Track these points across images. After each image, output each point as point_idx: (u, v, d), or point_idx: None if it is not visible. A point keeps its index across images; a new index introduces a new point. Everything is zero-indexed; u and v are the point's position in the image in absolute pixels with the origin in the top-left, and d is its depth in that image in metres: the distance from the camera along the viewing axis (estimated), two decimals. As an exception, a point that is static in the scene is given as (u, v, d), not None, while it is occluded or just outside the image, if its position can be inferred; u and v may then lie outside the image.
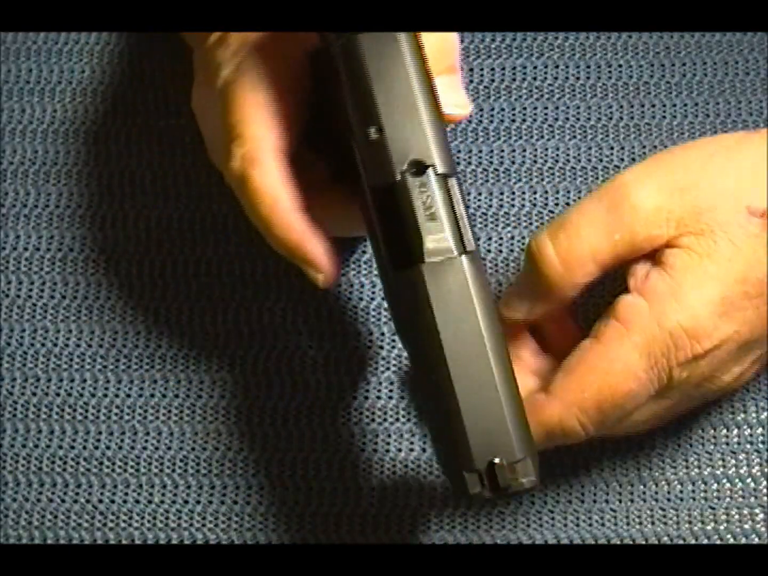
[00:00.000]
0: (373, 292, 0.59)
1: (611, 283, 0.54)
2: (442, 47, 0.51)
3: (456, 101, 0.51)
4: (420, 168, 0.47)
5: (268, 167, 0.51)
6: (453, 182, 0.47)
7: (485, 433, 0.45)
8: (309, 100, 0.53)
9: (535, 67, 0.63)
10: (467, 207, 0.48)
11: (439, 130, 0.47)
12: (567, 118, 0.63)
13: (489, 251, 0.60)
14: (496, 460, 0.45)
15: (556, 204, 0.60)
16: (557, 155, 0.62)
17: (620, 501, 0.56)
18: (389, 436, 0.57)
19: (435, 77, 0.49)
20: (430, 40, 0.50)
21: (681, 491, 0.56)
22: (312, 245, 0.51)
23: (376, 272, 0.59)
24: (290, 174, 0.52)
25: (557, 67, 0.64)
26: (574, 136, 0.62)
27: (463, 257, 0.46)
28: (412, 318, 0.47)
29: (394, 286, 0.47)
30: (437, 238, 0.46)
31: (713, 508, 0.55)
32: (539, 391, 0.51)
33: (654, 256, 0.51)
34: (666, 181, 0.51)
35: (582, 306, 0.56)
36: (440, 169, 0.47)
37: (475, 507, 0.55)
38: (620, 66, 0.64)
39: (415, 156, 0.47)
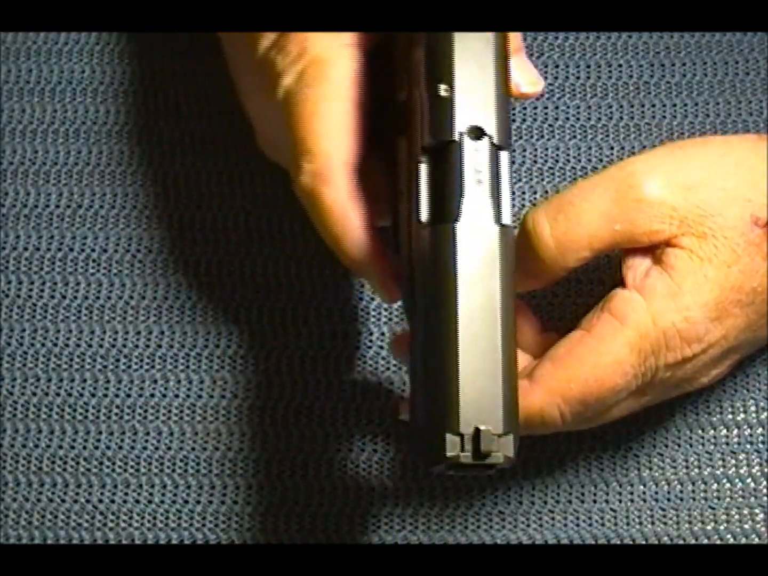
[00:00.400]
0: (374, 292, 0.59)
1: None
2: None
3: (530, 79, 0.53)
4: (479, 134, 0.47)
5: (339, 184, 0.51)
6: (505, 156, 0.48)
7: (477, 400, 0.45)
8: (372, 103, 0.53)
9: (535, 67, 0.63)
10: (512, 184, 0.48)
11: (505, 104, 0.48)
12: (567, 118, 0.63)
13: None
14: (482, 427, 0.45)
15: (556, 204, 0.60)
16: (557, 155, 0.62)
17: (620, 501, 0.56)
18: (389, 436, 0.57)
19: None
20: None
21: (681, 491, 0.56)
22: (381, 265, 0.52)
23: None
24: (359, 188, 0.52)
25: (557, 67, 0.64)
26: (574, 136, 0.62)
27: (497, 227, 0.46)
28: (434, 272, 0.47)
29: (426, 239, 0.47)
30: (478, 201, 0.47)
31: (713, 508, 0.55)
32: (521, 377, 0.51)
33: (652, 251, 0.50)
34: (675, 177, 0.50)
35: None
36: (497, 141, 0.47)
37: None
38: (620, 66, 0.64)
39: (477, 122, 0.47)
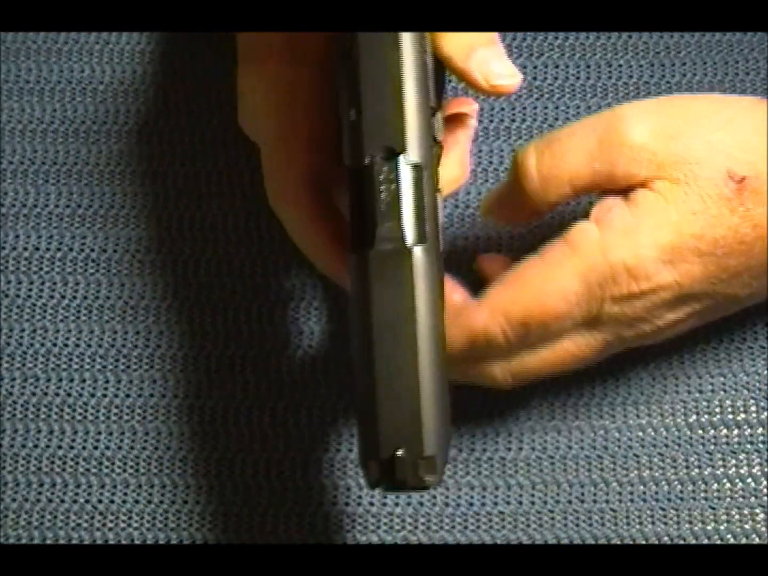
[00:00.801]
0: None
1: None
2: None
3: (503, 71, 0.51)
4: (390, 154, 0.47)
5: (299, 202, 0.53)
6: (423, 174, 0.47)
7: (397, 424, 0.45)
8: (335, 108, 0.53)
9: (535, 67, 0.63)
10: (437, 204, 0.48)
11: (422, 119, 0.47)
12: (567, 118, 0.63)
13: (488, 251, 0.60)
14: (399, 453, 0.45)
15: (556, 204, 0.60)
16: (557, 155, 0.62)
17: (620, 501, 0.56)
18: (389, 436, 0.57)
19: (478, 49, 0.50)
20: None
21: (681, 491, 0.56)
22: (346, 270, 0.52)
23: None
24: (324, 202, 0.53)
25: (557, 67, 0.64)
26: (574, 136, 0.62)
27: (417, 248, 0.46)
28: (354, 298, 0.47)
29: (348, 266, 0.47)
30: (391, 226, 0.46)
31: (713, 508, 0.55)
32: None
33: (626, 191, 0.51)
34: (661, 124, 0.51)
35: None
36: (411, 158, 0.47)
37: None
38: (620, 66, 0.64)
39: (388, 142, 0.47)
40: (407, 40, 0.47)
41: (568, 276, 0.50)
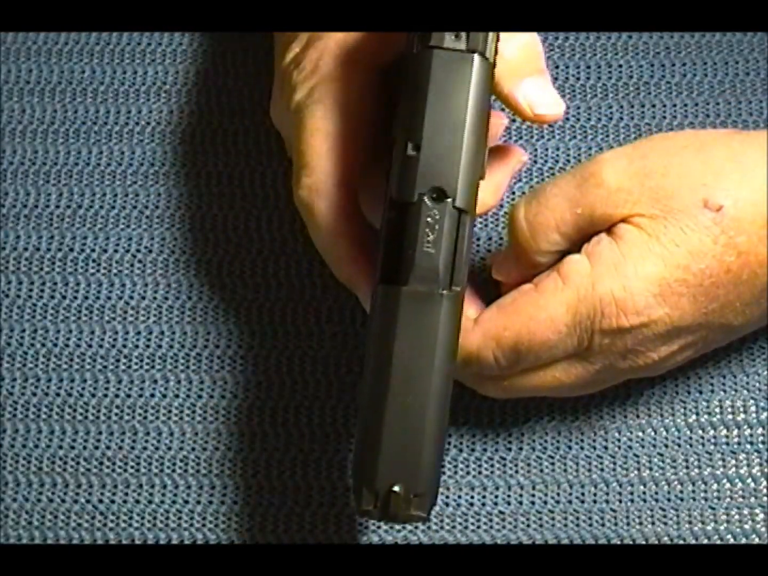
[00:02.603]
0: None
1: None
2: (532, 50, 0.52)
3: (548, 101, 0.52)
4: (440, 196, 0.47)
5: (333, 201, 0.53)
6: (466, 219, 0.47)
7: (397, 460, 0.47)
8: (382, 120, 0.54)
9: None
10: (471, 248, 0.48)
11: (476, 165, 0.48)
12: (567, 118, 0.63)
13: (489, 251, 0.60)
14: (396, 488, 0.46)
15: (556, 204, 0.60)
16: (557, 155, 0.62)
17: (620, 501, 0.56)
18: (389, 436, 0.57)
19: (525, 79, 0.51)
20: (520, 42, 0.52)
21: (681, 491, 0.56)
22: (367, 282, 0.53)
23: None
24: (354, 205, 0.53)
25: (557, 67, 0.64)
26: (574, 136, 0.62)
27: (446, 294, 0.47)
28: (377, 330, 0.48)
29: (374, 296, 0.48)
30: (428, 267, 0.47)
31: (713, 508, 0.55)
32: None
33: (609, 227, 0.52)
34: (636, 165, 0.52)
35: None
36: (458, 203, 0.47)
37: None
38: (620, 66, 0.64)
39: (440, 183, 0.47)
40: (480, 79, 0.48)
41: (558, 307, 0.51)
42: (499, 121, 0.58)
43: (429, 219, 0.47)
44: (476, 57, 0.47)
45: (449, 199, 0.47)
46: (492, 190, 0.55)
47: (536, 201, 0.52)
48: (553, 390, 0.53)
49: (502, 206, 0.61)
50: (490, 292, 0.55)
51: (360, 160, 0.54)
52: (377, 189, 0.52)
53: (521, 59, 0.52)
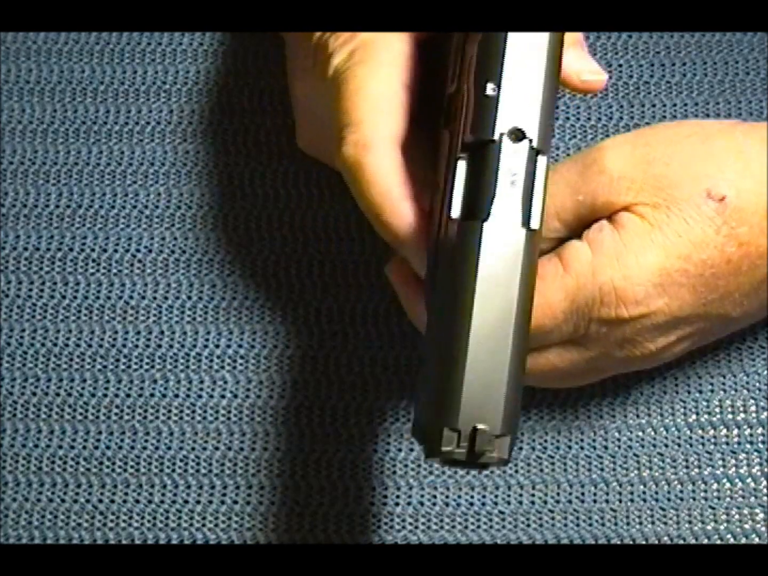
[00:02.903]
0: (374, 293, 0.59)
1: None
2: None
3: (591, 68, 0.52)
4: (519, 136, 0.47)
5: (381, 154, 0.51)
6: (543, 160, 0.48)
7: (479, 398, 0.45)
8: (419, 91, 0.54)
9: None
10: (546, 188, 0.48)
11: (550, 110, 0.48)
12: (567, 118, 0.63)
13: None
14: (480, 426, 0.45)
15: (556, 204, 0.60)
16: (557, 155, 0.62)
17: (620, 501, 0.56)
18: (389, 436, 0.57)
19: (568, 48, 0.51)
20: None
21: (681, 491, 0.56)
22: (420, 237, 0.52)
23: (377, 273, 0.59)
24: (402, 161, 0.52)
25: (557, 67, 0.64)
26: (574, 136, 0.62)
27: (524, 230, 0.47)
28: (457, 267, 0.47)
29: (454, 234, 0.47)
30: (510, 203, 0.47)
31: (713, 508, 0.55)
32: None
33: (612, 215, 0.52)
34: (638, 152, 0.51)
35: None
36: (536, 144, 0.47)
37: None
38: (620, 66, 0.64)
39: (519, 124, 0.47)
40: (553, 36, 0.48)
41: (556, 292, 0.50)
42: None
43: (509, 157, 0.47)
44: None
45: (527, 139, 0.47)
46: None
47: None
48: (546, 375, 0.53)
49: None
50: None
51: (404, 123, 0.53)
52: (415, 163, 0.52)
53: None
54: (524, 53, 0.48)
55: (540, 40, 0.48)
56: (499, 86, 0.48)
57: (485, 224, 0.46)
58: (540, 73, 0.48)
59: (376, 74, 0.52)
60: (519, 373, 0.46)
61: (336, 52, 0.54)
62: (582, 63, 0.52)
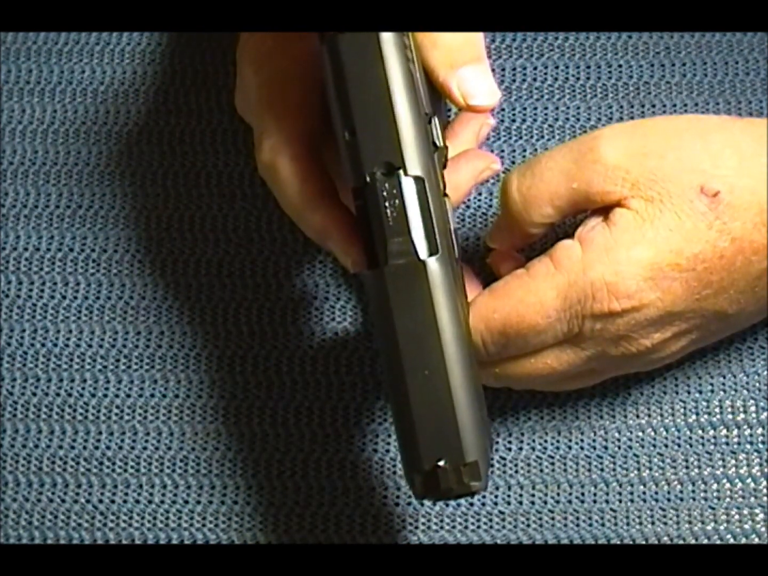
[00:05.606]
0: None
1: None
2: (468, 37, 0.52)
3: (483, 90, 0.52)
4: (390, 169, 0.47)
5: (294, 154, 0.53)
6: (426, 184, 0.47)
7: (435, 435, 0.46)
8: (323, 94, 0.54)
9: (535, 68, 0.64)
10: (449, 216, 0.48)
11: (417, 130, 0.47)
12: (567, 118, 0.63)
13: (490, 250, 0.60)
14: (441, 463, 0.45)
15: (556, 204, 0.60)
16: (557, 155, 0.62)
17: (620, 501, 0.56)
18: (389, 436, 0.57)
19: (462, 66, 0.50)
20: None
21: (681, 491, 0.56)
22: (339, 230, 0.52)
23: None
24: (318, 161, 0.53)
25: (557, 67, 0.64)
26: (574, 136, 0.62)
27: (431, 260, 0.47)
28: (376, 316, 0.48)
29: (366, 285, 0.48)
30: (401, 240, 0.47)
31: (713, 508, 0.55)
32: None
33: (605, 211, 0.52)
34: (635, 143, 0.51)
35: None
36: (412, 171, 0.47)
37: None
38: (620, 66, 0.64)
39: (386, 158, 0.47)
40: (391, 52, 0.47)
41: (548, 291, 0.50)
42: (486, 122, 0.57)
43: (386, 194, 0.47)
44: (385, 35, 0.47)
45: (400, 170, 0.47)
46: (452, 188, 0.54)
47: (530, 173, 0.52)
48: (546, 378, 0.53)
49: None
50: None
51: (317, 118, 0.53)
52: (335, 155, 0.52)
53: (459, 46, 0.51)
54: (366, 86, 0.47)
55: (378, 66, 0.47)
56: (353, 129, 0.47)
57: (386, 268, 0.46)
58: (390, 99, 0.47)
59: (277, 82, 0.54)
60: (470, 396, 0.46)
61: (248, 67, 0.56)
62: (475, 84, 0.51)
